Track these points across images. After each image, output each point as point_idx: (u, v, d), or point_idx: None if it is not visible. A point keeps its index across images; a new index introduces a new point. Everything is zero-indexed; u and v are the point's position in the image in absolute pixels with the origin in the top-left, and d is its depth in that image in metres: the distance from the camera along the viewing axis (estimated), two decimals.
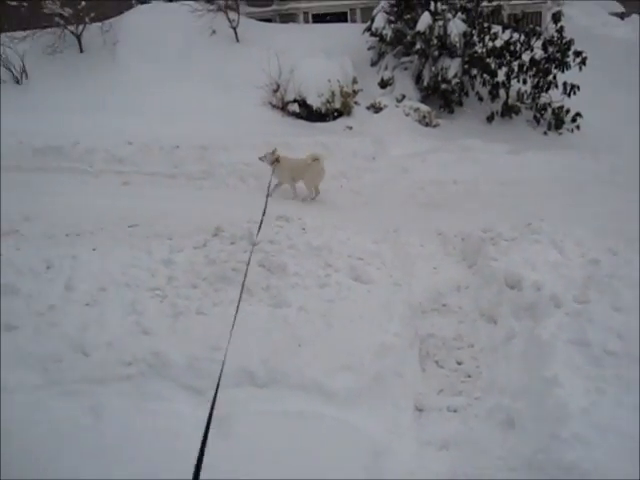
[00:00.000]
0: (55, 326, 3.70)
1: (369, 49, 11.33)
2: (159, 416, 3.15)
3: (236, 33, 11.12)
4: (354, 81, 10.18)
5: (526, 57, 10.16)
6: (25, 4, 10.65)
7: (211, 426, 2.75)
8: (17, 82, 10.27)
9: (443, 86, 10.35)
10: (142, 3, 12.07)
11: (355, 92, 10.09)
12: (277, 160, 6.63)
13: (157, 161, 7.43)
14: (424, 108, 10.04)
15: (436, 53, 10.35)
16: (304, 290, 4.16)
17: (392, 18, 10.72)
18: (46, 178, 7.11)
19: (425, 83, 10.49)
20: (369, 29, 11.03)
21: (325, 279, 4.30)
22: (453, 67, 10.21)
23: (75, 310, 3.86)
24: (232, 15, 11.08)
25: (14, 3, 10.74)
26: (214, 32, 11.02)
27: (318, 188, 6.79)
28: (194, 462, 2.73)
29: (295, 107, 9.63)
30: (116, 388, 3.29)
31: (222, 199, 6.46)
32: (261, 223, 4.91)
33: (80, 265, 4.38)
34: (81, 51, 10.98)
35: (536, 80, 10.22)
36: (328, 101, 9.58)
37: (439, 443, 3.33)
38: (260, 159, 6.69)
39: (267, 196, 5.98)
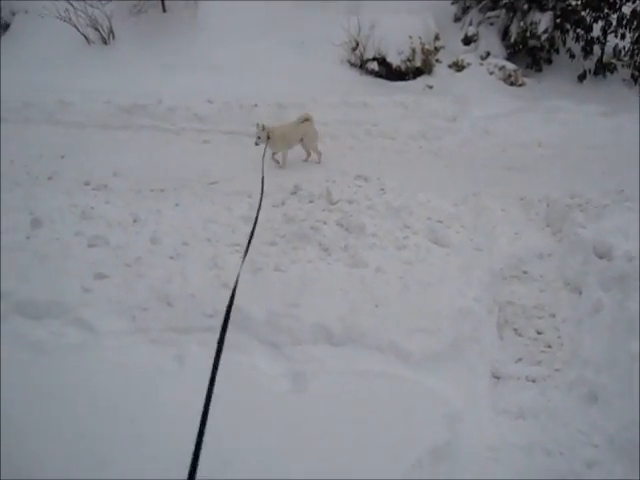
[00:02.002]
0: (142, 277, 3.88)
1: (453, 4, 10.80)
2: (238, 367, 3.24)
3: None
4: (436, 38, 9.76)
5: (627, 9, 9.34)
6: None
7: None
8: (104, 42, 10.61)
9: (532, 42, 9.72)
10: None
11: (437, 49, 9.69)
12: (268, 135, 6.08)
13: (236, 119, 7.49)
14: (510, 66, 9.51)
15: (525, 6, 9.71)
16: (382, 251, 4.13)
17: None
18: (131, 136, 7.36)
19: (512, 39, 9.89)
20: None
21: (403, 241, 4.25)
22: (544, 21, 9.55)
23: (160, 262, 4.02)
24: None
25: None
26: None
27: (317, 149, 6.39)
28: (266, 414, 2.81)
29: (374, 65, 9.38)
30: (198, 338, 3.42)
31: (300, 159, 6.45)
32: (261, 194, 4.58)
33: (164, 219, 4.55)
34: (164, 11, 11.13)
35: (636, 35, 9.40)
36: (408, 59, 9.26)
37: (516, 412, 3.26)
38: (256, 144, 6.11)
39: (262, 168, 5.44)
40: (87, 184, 5.48)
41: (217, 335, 3.40)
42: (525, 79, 9.55)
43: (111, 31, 10.56)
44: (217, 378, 3.11)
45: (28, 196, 5.13)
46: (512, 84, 9.45)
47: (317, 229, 4.22)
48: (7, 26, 11.51)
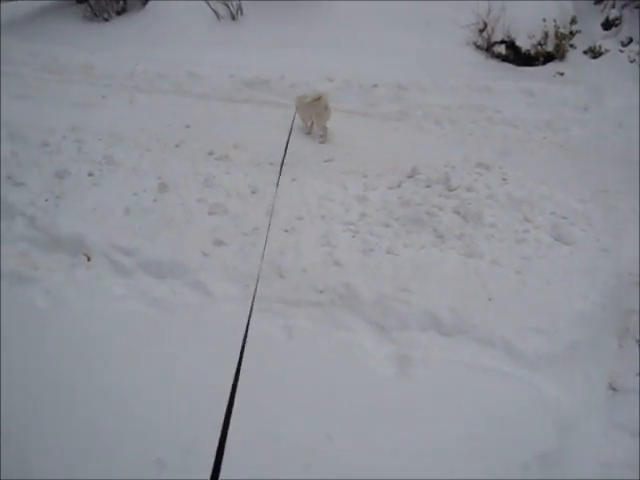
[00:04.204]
0: (257, 247, 4.00)
1: None
2: (344, 346, 3.27)
3: None
4: (572, 21, 9.09)
5: None
6: None
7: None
8: (232, 18, 10.97)
9: None
10: None
11: (572, 34, 9.03)
12: (299, 102, 6.58)
13: (355, 99, 7.47)
14: None
15: None
16: (499, 243, 3.96)
17: None
18: (253, 109, 7.57)
19: None
20: None
21: (523, 234, 4.04)
22: None
23: (275, 234, 4.12)
24: None
25: None
26: None
27: (324, 128, 6.48)
28: (371, 398, 2.80)
29: (502, 49, 8.93)
30: (307, 312, 3.49)
31: (416, 141, 6.32)
32: (283, 160, 4.81)
33: (281, 193, 4.64)
34: None
35: None
36: (540, 43, 8.72)
37: (633, 429, 3.03)
38: (297, 104, 6.63)
39: (291, 129, 5.91)
40: (210, 154, 5.72)
41: (328, 312, 3.47)
42: None
43: (240, 7, 10.89)
44: (324, 355, 3.17)
45: (157, 162, 5.45)
46: None
47: (433, 215, 4.13)
48: (146, 1, 12.24)
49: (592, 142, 6.68)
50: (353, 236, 4.05)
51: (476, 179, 4.65)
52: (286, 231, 4.16)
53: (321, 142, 6.44)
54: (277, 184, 4.47)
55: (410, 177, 4.79)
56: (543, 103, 7.44)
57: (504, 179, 4.74)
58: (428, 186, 4.61)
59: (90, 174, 5.18)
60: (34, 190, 4.93)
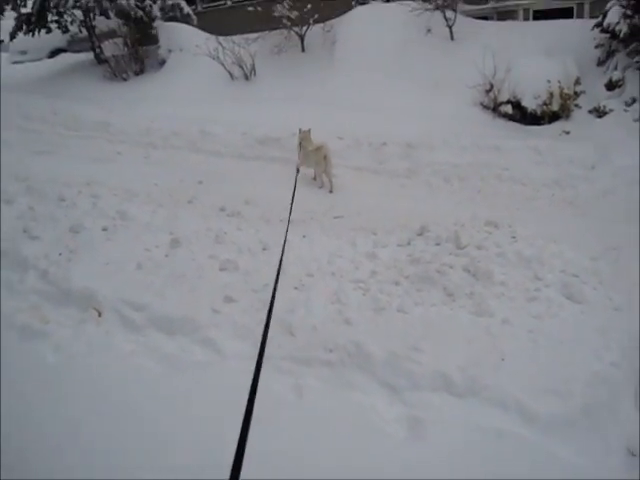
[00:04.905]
0: (267, 304, 3.99)
1: (596, 47, 10.28)
2: (355, 407, 3.22)
3: (451, 31, 10.93)
4: (576, 82, 9.33)
5: None
6: (260, 9, 11.77)
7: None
8: (246, 78, 11.37)
9: None
10: (361, 4, 12.44)
11: (577, 94, 9.25)
12: (302, 140, 6.95)
13: (364, 156, 7.63)
14: None
15: None
16: (510, 302, 3.94)
17: (629, 12, 9.59)
18: (263, 166, 7.74)
19: None
20: (599, 25, 9.98)
21: (534, 293, 4.03)
22: None
23: (285, 292, 4.13)
24: (449, 13, 10.92)
25: (251, 9, 12.00)
26: (429, 31, 10.95)
27: (330, 178, 6.76)
28: (382, 460, 2.72)
29: (508, 108, 9.14)
30: (318, 371, 3.45)
31: (425, 199, 6.40)
32: (291, 207, 4.84)
33: (291, 250, 4.68)
34: (303, 50, 11.75)
35: None
36: (545, 103, 8.92)
37: None
38: (299, 143, 7.09)
39: (296, 177, 6.16)
40: (222, 210, 5.81)
41: (338, 371, 3.43)
42: None
43: (253, 68, 11.31)
44: (334, 417, 3.11)
45: (170, 217, 5.55)
46: None
47: (443, 273, 4.13)
48: (163, 62, 12.75)
49: (601, 199, 6.72)
50: (363, 294, 4.06)
51: (486, 237, 4.68)
52: (296, 288, 4.18)
53: (320, 187, 6.75)
54: (284, 241, 4.50)
55: (420, 235, 4.83)
56: (550, 161, 7.55)
57: (513, 237, 4.77)
58: (438, 244, 4.64)
59: (104, 229, 5.27)
60: (48, 244, 5.01)
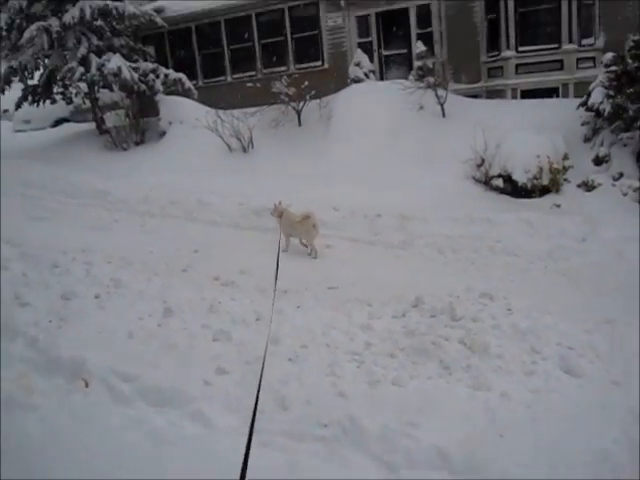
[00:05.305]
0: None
1: (583, 125, 10.69)
2: None
3: (443, 109, 11.37)
4: (565, 157, 9.63)
5: None
6: (258, 85, 12.30)
7: None
8: (244, 150, 11.68)
9: None
10: (356, 82, 12.98)
11: (565, 169, 9.52)
12: (281, 214, 7.05)
13: (359, 228, 7.72)
14: None
15: None
16: (507, 375, 3.88)
17: (611, 92, 10.05)
18: (258, 236, 7.80)
19: None
20: (584, 104, 10.44)
21: (531, 366, 3.98)
22: None
23: (278, 363, 4.06)
24: (440, 92, 11.39)
25: (250, 85, 12.54)
26: (422, 108, 11.38)
27: (314, 246, 6.93)
28: None
29: (499, 182, 9.38)
30: (311, 447, 3.33)
31: (420, 270, 6.44)
32: (277, 274, 4.95)
33: (286, 320, 4.65)
34: (300, 124, 12.16)
35: None
36: (535, 177, 9.17)
37: None
38: (271, 214, 7.27)
39: (279, 251, 6.15)
40: (217, 279, 5.80)
41: (332, 447, 3.32)
42: None
43: (251, 141, 11.64)
44: None
45: (164, 286, 5.52)
46: None
47: (438, 345, 4.09)
48: (163, 133, 13.11)
49: (593, 272, 6.77)
50: (358, 366, 3.99)
51: (481, 309, 4.67)
52: (290, 360, 4.11)
53: (314, 257, 6.86)
54: (271, 314, 4.44)
55: (415, 306, 4.82)
56: (542, 233, 7.66)
57: (509, 309, 4.76)
58: (433, 316, 4.62)
59: (97, 297, 5.22)
60: (39, 311, 4.94)
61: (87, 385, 3.93)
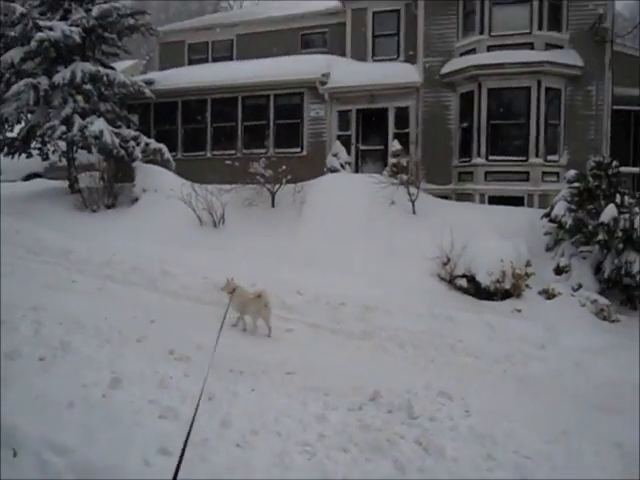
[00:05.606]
0: (205, 461, 3.68)
1: (545, 234, 11.14)
2: None
3: (414, 206, 11.73)
4: (527, 264, 9.94)
5: None
6: (237, 163, 12.57)
7: None
8: (215, 225, 11.73)
9: (626, 280, 9.64)
10: (332, 172, 13.39)
11: (527, 275, 9.80)
12: (233, 290, 6.99)
13: (322, 314, 7.66)
14: (602, 301, 9.34)
15: (620, 245, 9.83)
16: None
17: (573, 207, 10.59)
18: (219, 313, 7.62)
19: (605, 275, 9.87)
20: (548, 215, 10.96)
21: (486, 473, 3.85)
22: (638, 262, 9.55)
23: (226, 448, 3.83)
24: (412, 189, 11.80)
25: (228, 162, 12.82)
26: (393, 203, 11.73)
27: (269, 325, 6.89)
28: None
29: (463, 282, 9.56)
30: None
31: (379, 362, 6.35)
32: (215, 348, 4.97)
33: (238, 403, 4.45)
34: (273, 206, 12.35)
35: None
36: (498, 280, 9.39)
37: None
38: (222, 289, 7.18)
39: (221, 326, 5.95)
40: (171, 353, 5.60)
41: None
42: (619, 316, 9.28)
43: (223, 217, 11.71)
44: None
45: (114, 355, 5.28)
46: (605, 319, 9.19)
47: (393, 443, 3.94)
48: (136, 200, 13.12)
49: (551, 379, 6.79)
50: (309, 459, 3.79)
51: (439, 409, 4.57)
52: (238, 445, 3.89)
53: (250, 334, 6.83)
54: (199, 399, 4.20)
55: (372, 400, 4.69)
56: (502, 337, 7.73)
57: (467, 411, 4.68)
58: (390, 411, 4.49)
59: (41, 359, 4.94)
60: None
61: (15, 455, 3.63)
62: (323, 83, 14.80)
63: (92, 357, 5.13)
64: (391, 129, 14.89)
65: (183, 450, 2.21)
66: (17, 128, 14.89)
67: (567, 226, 10.47)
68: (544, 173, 13.61)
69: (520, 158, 13.60)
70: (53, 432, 3.81)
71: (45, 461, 3.59)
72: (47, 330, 5.65)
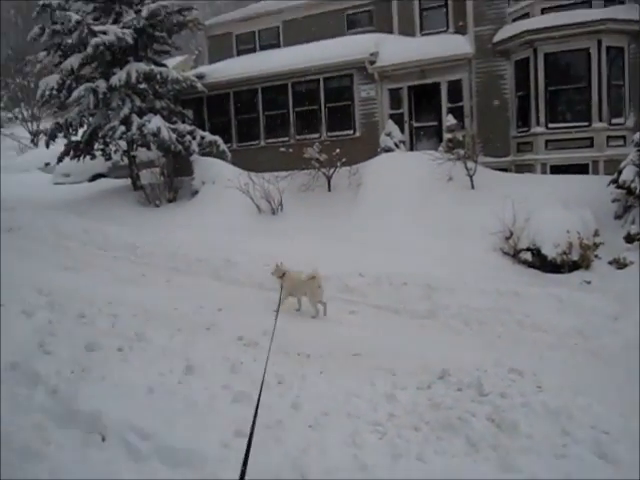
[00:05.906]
0: (279, 442, 3.80)
1: (613, 202, 10.64)
2: None
3: (472, 180, 11.47)
4: (595, 234, 9.54)
5: None
6: (291, 150, 12.66)
7: None
8: (273, 212, 11.88)
9: None
10: (386, 151, 13.25)
11: (596, 245, 9.41)
12: (283, 275, 7.07)
13: (384, 295, 7.65)
14: None
15: None
16: (537, 457, 3.68)
17: None
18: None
19: None
20: (615, 181, 10.44)
21: (563, 449, 3.77)
22: None
23: (299, 430, 3.93)
24: (469, 164, 11.53)
25: (282, 149, 12.93)
26: (451, 179, 11.51)
27: (320, 307, 7.00)
28: None
29: (528, 256, 9.29)
30: None
31: (445, 341, 6.30)
32: (272, 339, 4.99)
33: (308, 386, 4.54)
34: (329, 190, 12.38)
35: None
36: (565, 252, 9.07)
37: None
38: (272, 274, 7.32)
39: (277, 311, 6.16)
40: (240, 339, 5.76)
41: None
42: None
43: (281, 204, 11.85)
44: None
45: (187, 343, 5.48)
46: None
47: (465, 421, 3.93)
48: (196, 192, 13.45)
49: (625, 352, 6.53)
50: (380, 438, 3.84)
51: (510, 385, 4.51)
52: (310, 427, 3.98)
53: (313, 317, 6.92)
54: (262, 383, 4.28)
55: (440, 378, 4.68)
56: (572, 310, 7.47)
57: (538, 387, 4.58)
58: (459, 389, 4.47)
59: (120, 349, 5.20)
60: (62, 360, 4.92)
61: (104, 439, 3.85)
62: (372, 62, 14.60)
63: (166, 346, 5.35)
64: (444, 104, 14.56)
65: (251, 433, 2.29)
66: (80, 132, 15.51)
67: (637, 191, 9.95)
68: (609, 137, 12.97)
69: (582, 124, 13.01)
70: (136, 417, 4.01)
71: (131, 444, 3.79)
72: (122, 322, 5.93)
